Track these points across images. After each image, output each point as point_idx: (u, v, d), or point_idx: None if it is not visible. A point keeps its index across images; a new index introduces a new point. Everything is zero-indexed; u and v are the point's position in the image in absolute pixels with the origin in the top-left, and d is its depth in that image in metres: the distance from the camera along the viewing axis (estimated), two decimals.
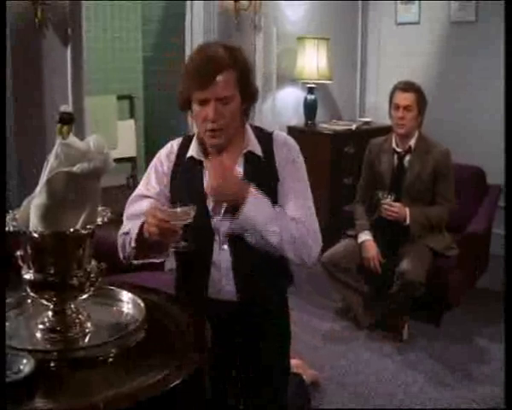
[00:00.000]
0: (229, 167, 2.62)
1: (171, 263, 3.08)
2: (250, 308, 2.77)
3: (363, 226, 4.84)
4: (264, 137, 2.80)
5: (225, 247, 2.71)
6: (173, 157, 2.82)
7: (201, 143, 2.77)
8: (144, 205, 2.68)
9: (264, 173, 2.73)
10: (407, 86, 4.77)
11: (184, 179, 2.74)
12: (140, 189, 2.80)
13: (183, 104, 2.72)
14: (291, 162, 2.77)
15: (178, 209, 2.47)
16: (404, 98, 4.72)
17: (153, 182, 2.78)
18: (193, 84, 2.62)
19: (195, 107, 2.64)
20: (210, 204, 2.70)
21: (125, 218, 2.76)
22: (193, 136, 2.84)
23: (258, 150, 2.75)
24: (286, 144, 2.80)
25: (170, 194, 2.76)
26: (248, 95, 2.72)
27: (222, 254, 2.71)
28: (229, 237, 2.69)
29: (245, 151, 2.73)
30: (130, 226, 2.64)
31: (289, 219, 2.66)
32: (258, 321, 2.81)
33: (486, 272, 5.35)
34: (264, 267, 2.76)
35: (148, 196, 2.74)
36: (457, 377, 4.29)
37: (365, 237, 4.79)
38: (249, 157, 2.73)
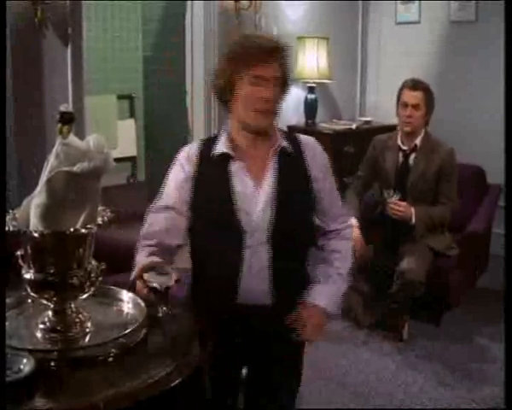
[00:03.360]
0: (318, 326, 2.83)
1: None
2: (283, 311, 2.73)
3: (352, 213, 4.72)
4: (289, 137, 2.79)
5: (260, 247, 2.64)
6: (195, 159, 2.71)
7: (231, 140, 2.70)
8: (160, 218, 2.66)
9: (295, 171, 2.72)
10: (416, 84, 4.74)
11: (210, 179, 2.67)
12: (160, 199, 2.73)
13: (225, 88, 2.64)
14: (326, 166, 2.83)
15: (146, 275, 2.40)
16: (413, 96, 4.70)
17: (172, 190, 2.71)
18: (249, 61, 2.57)
19: (245, 87, 2.58)
20: (244, 201, 2.63)
21: (142, 231, 2.71)
22: (214, 137, 2.78)
23: (289, 148, 2.73)
24: (314, 146, 2.83)
25: (192, 197, 2.67)
26: (286, 89, 2.72)
27: (255, 255, 2.63)
28: (269, 237, 2.64)
29: (279, 147, 2.70)
30: (138, 257, 2.59)
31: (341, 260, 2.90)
32: (286, 324, 2.77)
33: (486, 271, 5.34)
34: (296, 268, 2.78)
35: (168, 207, 2.67)
36: (457, 376, 4.29)
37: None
38: (281, 153, 2.71)
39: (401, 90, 4.80)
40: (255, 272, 2.64)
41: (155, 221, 2.68)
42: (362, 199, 4.98)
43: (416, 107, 4.69)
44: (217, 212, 2.64)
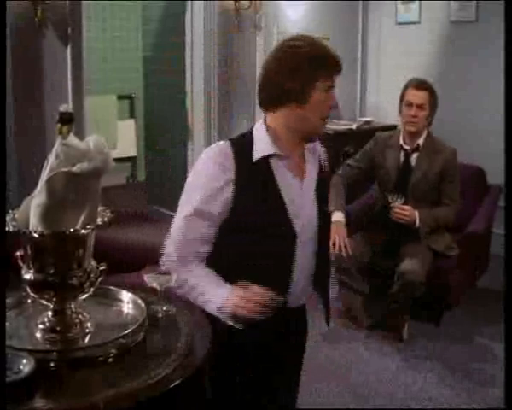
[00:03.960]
0: None
1: None
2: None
3: (337, 206, 4.70)
4: None
5: (307, 244, 2.65)
6: (232, 162, 2.54)
7: (278, 138, 2.60)
8: (194, 226, 2.56)
9: (318, 167, 2.75)
10: (421, 84, 4.72)
11: (254, 181, 2.56)
12: (191, 203, 2.57)
13: (296, 90, 2.52)
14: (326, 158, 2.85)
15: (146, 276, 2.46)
16: (418, 96, 4.68)
17: (207, 197, 2.54)
18: (332, 70, 2.54)
19: (318, 94, 2.51)
20: (292, 200, 2.59)
21: (174, 237, 2.61)
22: (245, 135, 2.65)
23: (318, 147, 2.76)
24: (317, 142, 2.80)
25: (234, 202, 2.53)
26: None
27: (303, 253, 2.64)
28: (315, 233, 2.68)
29: (317, 147, 2.74)
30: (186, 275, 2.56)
31: None
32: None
33: (487, 271, 5.34)
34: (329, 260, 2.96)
35: (202, 213, 2.55)
36: (457, 377, 4.28)
37: (338, 218, 4.65)
38: (314, 153, 2.73)
39: (406, 89, 4.77)
40: (303, 271, 2.67)
41: (189, 229, 2.58)
42: (350, 189, 4.96)
43: (420, 107, 4.68)
44: (265, 214, 2.56)
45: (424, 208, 4.66)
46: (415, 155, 4.77)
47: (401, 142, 4.81)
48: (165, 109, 7.25)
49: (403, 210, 4.58)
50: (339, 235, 4.53)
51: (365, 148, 5.00)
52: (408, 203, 4.62)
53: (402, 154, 4.80)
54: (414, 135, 4.75)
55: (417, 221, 4.60)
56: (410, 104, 4.70)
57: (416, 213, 4.59)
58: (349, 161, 5.01)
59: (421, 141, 4.76)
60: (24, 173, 4.39)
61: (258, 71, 6.08)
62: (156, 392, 2.02)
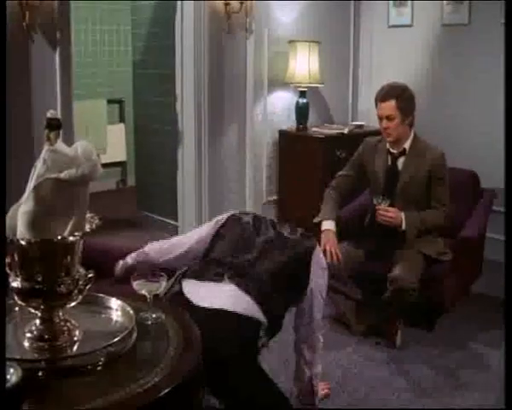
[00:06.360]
0: None
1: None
2: None
3: (328, 214, 4.72)
4: None
5: None
6: None
7: None
8: None
9: None
10: (385, 95, 4.66)
11: None
12: None
13: None
14: None
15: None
16: (384, 108, 4.65)
17: None
18: None
19: None
20: None
21: None
22: None
23: None
24: None
25: None
26: None
27: None
28: None
29: None
30: None
31: None
32: None
33: (481, 276, 5.31)
34: None
35: None
36: (451, 384, 4.25)
37: (328, 226, 4.67)
38: None
39: (375, 102, 4.76)
40: None
41: None
42: (344, 199, 4.96)
43: (389, 117, 4.64)
44: None
45: (414, 211, 4.64)
46: (401, 159, 4.76)
47: (388, 146, 4.80)
48: (156, 113, 7.22)
49: (387, 212, 4.56)
50: (329, 243, 4.54)
51: (355, 154, 5.00)
52: (397, 206, 4.60)
53: (389, 158, 4.79)
54: (397, 142, 4.74)
55: (403, 224, 4.58)
56: (380, 117, 4.69)
57: (402, 215, 4.57)
58: (341, 172, 5.00)
59: (407, 145, 4.74)
60: (12, 179, 4.36)
61: (250, 73, 6.08)
62: (146, 400, 2.03)
